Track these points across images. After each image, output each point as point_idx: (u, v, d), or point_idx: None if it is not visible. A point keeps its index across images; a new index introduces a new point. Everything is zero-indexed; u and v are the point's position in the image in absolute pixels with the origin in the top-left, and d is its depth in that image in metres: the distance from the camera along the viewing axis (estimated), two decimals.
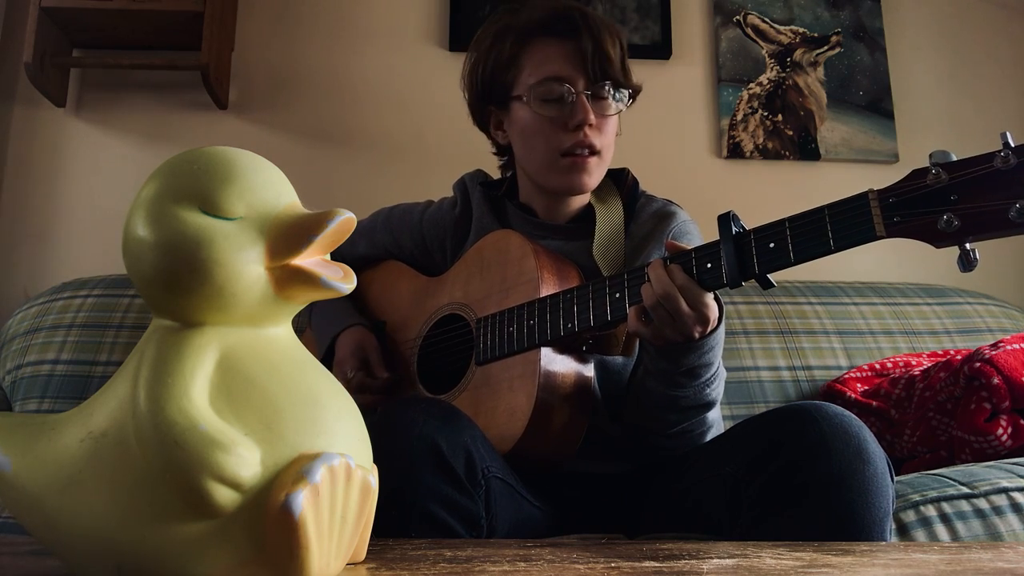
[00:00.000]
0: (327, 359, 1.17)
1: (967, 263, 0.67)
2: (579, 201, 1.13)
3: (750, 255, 0.78)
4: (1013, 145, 0.65)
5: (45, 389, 1.45)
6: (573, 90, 1.03)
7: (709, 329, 0.85)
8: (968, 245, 0.67)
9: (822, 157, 1.98)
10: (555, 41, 1.05)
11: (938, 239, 0.68)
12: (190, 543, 0.39)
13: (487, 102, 1.13)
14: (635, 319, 0.85)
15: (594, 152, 1.04)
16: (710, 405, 0.93)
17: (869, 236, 0.71)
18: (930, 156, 0.69)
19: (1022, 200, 0.63)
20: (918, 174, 0.69)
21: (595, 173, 1.06)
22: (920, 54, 2.10)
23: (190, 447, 0.38)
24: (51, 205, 1.85)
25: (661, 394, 0.91)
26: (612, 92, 1.05)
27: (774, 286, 0.79)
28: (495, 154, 1.21)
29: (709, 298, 0.82)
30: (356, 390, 1.09)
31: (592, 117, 1.02)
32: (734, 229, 0.80)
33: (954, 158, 0.68)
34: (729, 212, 0.81)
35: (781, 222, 0.77)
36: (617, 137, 1.15)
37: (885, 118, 2.01)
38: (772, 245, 0.77)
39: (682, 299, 0.81)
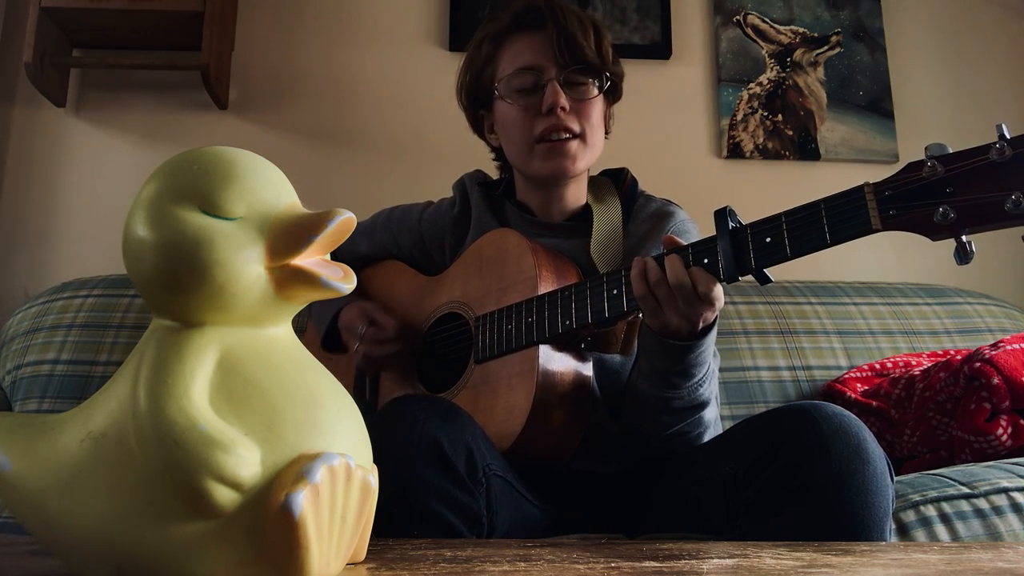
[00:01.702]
0: (329, 336, 1.18)
1: (963, 255, 0.67)
2: (576, 199, 1.13)
3: (746, 250, 0.78)
4: (1009, 137, 0.65)
5: (45, 389, 1.45)
6: (544, 77, 1.04)
7: (713, 318, 0.85)
8: (964, 237, 0.67)
9: (822, 157, 1.98)
10: (526, 34, 1.07)
11: (934, 231, 0.68)
12: (190, 543, 0.39)
13: (477, 107, 1.16)
14: (641, 283, 0.84)
15: (574, 136, 1.05)
16: (703, 405, 0.93)
17: (865, 229, 0.71)
18: (926, 149, 0.69)
19: (1018, 192, 0.63)
20: (914, 167, 0.69)
21: (579, 158, 1.06)
22: (920, 54, 2.10)
23: (190, 447, 0.38)
24: (51, 205, 1.85)
25: (654, 396, 0.91)
26: (587, 77, 1.06)
27: (771, 281, 0.79)
28: (494, 159, 1.22)
29: (719, 287, 0.82)
30: (371, 341, 1.10)
31: (563, 101, 1.03)
32: (731, 224, 0.80)
33: (950, 151, 0.68)
34: (726, 207, 0.81)
35: (777, 216, 0.77)
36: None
37: (885, 118, 2.01)
38: (768, 240, 0.77)
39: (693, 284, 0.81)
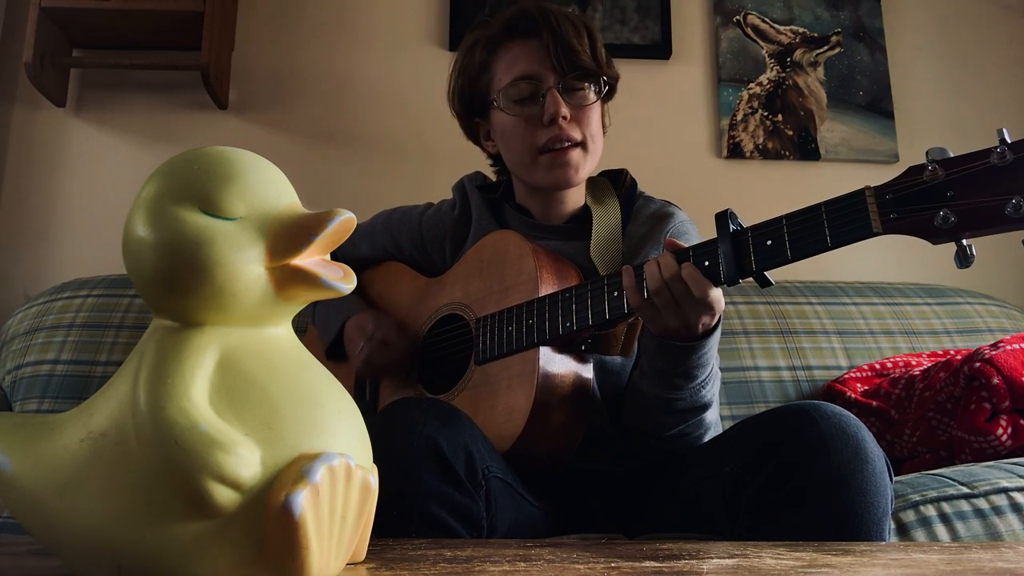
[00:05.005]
0: (335, 346, 1.17)
1: (964, 259, 0.67)
2: (575, 201, 1.13)
3: (747, 253, 0.78)
4: (1010, 141, 0.65)
5: (45, 389, 1.45)
6: (543, 86, 1.04)
7: (713, 323, 0.85)
8: (965, 241, 0.67)
9: (822, 157, 1.98)
10: (520, 42, 1.07)
11: (935, 235, 0.68)
12: (190, 543, 0.39)
13: (472, 115, 1.15)
14: (636, 294, 0.84)
15: (576, 144, 1.04)
16: (705, 407, 0.93)
17: (866, 233, 0.71)
18: (927, 153, 0.69)
19: (1018, 196, 0.63)
20: (915, 170, 0.69)
21: (581, 166, 1.06)
22: (920, 54, 2.10)
23: (190, 447, 0.38)
24: (51, 205, 1.85)
25: (656, 397, 0.91)
26: (585, 83, 1.06)
27: (772, 284, 0.79)
28: (491, 165, 1.22)
29: (716, 290, 0.82)
30: (380, 342, 1.09)
31: (564, 110, 1.03)
32: (731, 227, 0.80)
33: (951, 154, 0.68)
34: (727, 210, 0.81)
35: (778, 220, 0.77)
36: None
37: (885, 118, 2.01)
38: (769, 243, 0.77)
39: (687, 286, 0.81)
